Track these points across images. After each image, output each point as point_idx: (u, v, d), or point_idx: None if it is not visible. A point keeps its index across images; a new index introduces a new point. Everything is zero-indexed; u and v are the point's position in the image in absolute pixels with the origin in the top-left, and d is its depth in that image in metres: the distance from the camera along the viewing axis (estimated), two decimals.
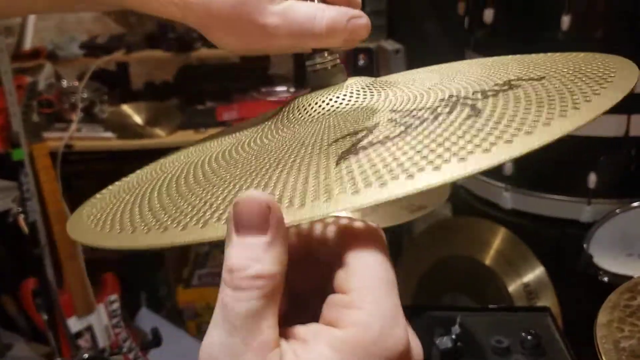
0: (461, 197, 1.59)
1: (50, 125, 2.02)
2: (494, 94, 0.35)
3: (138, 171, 0.47)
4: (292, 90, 2.26)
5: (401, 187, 0.28)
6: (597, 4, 1.24)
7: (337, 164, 0.31)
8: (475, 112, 0.33)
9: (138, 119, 2.12)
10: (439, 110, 0.35)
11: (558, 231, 1.37)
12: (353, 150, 0.32)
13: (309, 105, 0.42)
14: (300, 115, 0.42)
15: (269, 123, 0.43)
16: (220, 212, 0.31)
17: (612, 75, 0.36)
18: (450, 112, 0.34)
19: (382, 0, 2.20)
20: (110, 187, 0.46)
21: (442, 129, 0.31)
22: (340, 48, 0.43)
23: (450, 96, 0.37)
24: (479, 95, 0.36)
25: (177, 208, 0.33)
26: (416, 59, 2.02)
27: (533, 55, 0.48)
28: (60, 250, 1.75)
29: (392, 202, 0.28)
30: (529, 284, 1.32)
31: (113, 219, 0.36)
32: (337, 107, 0.41)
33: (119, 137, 2.05)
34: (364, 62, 2.07)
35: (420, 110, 0.35)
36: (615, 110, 0.32)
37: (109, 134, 2.06)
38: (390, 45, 2.04)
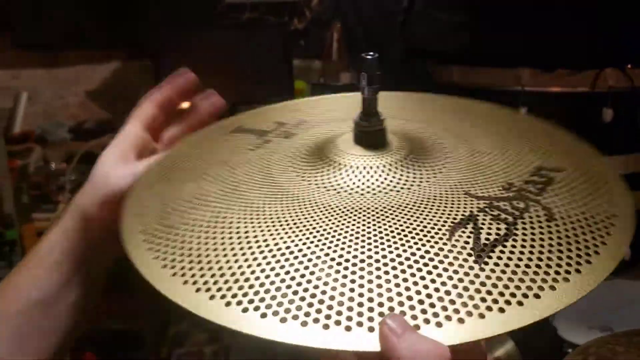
0: None
1: (38, 206, 2.08)
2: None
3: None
4: None
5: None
6: (549, 99, 1.36)
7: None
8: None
9: None
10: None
11: None
12: None
13: (348, 161, 0.42)
14: (333, 165, 0.42)
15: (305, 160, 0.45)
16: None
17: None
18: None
19: None
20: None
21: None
22: None
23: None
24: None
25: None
26: None
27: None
28: None
29: None
30: (499, 358, 1.38)
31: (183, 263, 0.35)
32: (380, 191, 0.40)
33: None
34: None
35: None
36: None
37: None
38: None
